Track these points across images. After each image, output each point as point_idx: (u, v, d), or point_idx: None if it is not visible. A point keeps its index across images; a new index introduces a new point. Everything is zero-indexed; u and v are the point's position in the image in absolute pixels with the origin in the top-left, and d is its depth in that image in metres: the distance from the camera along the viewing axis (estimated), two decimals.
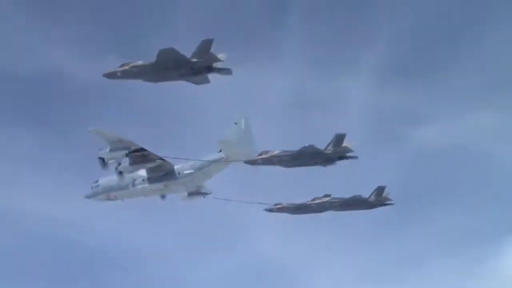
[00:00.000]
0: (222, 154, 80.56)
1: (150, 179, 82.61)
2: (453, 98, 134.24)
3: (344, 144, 68.13)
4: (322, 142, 69.27)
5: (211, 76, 56.13)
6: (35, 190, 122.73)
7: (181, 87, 56.67)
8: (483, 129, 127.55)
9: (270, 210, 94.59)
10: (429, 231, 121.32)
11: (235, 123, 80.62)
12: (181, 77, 55.45)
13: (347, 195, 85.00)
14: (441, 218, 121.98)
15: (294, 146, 74.81)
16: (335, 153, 67.22)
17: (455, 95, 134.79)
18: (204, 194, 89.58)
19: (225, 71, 55.09)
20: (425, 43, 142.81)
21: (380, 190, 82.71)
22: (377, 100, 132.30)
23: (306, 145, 66.75)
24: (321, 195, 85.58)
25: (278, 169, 71.85)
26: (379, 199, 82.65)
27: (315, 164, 68.49)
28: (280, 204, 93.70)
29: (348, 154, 68.03)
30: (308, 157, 67.43)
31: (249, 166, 78.69)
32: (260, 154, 71.64)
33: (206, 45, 53.02)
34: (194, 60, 53.72)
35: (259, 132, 78.35)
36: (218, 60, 54.05)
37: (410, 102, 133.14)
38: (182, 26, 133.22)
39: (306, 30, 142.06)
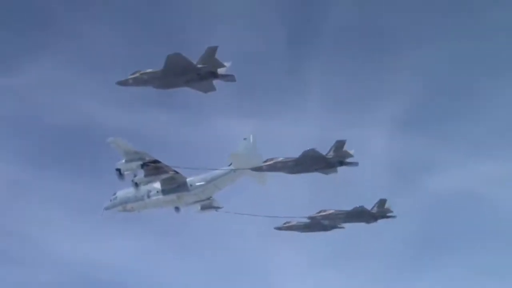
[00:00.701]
0: (232, 167, 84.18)
1: (164, 191, 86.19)
2: (467, 145, 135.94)
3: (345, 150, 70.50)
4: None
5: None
6: (70, 232, 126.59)
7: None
8: (496, 176, 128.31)
9: (279, 229, 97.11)
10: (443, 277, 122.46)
11: (244, 139, 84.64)
12: (188, 83, 58.51)
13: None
14: (456, 263, 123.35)
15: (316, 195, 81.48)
16: (336, 157, 69.59)
17: (469, 143, 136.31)
18: (216, 208, 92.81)
19: (229, 77, 58.12)
20: (440, 93, 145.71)
21: (382, 202, 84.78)
22: (394, 148, 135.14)
23: (308, 149, 69.11)
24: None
25: (283, 177, 74.32)
26: (381, 210, 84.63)
27: (317, 169, 70.83)
28: (289, 222, 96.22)
29: (348, 160, 70.26)
30: (310, 161, 69.79)
31: (257, 177, 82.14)
32: (265, 162, 74.29)
33: (211, 51, 56.14)
34: (200, 66, 56.93)
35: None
36: (222, 66, 57.13)
37: (426, 149, 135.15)
38: None
39: (327, 80, 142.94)
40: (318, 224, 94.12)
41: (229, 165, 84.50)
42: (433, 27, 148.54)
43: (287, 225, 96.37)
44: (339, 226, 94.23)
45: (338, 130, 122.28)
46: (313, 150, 68.93)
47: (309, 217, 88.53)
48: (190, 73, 57.32)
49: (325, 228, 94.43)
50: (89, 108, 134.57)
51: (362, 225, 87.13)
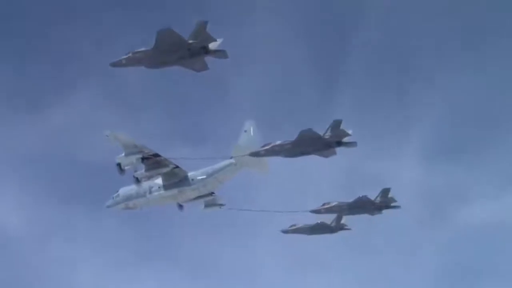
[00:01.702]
0: (232, 160, 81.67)
1: (165, 186, 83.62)
2: (500, 176, 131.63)
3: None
4: None
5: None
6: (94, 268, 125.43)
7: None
8: None
9: (286, 232, 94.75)
10: None
11: (245, 131, 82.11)
12: (180, 61, 56.49)
13: None
14: None
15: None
16: (333, 137, 66.87)
17: (502, 174, 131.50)
18: (220, 205, 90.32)
19: (221, 53, 55.99)
20: (472, 123, 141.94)
21: (385, 191, 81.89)
22: (425, 179, 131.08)
23: (305, 128, 66.59)
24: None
25: (282, 161, 71.79)
26: (385, 200, 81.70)
27: (316, 150, 68.11)
28: (295, 225, 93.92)
29: (346, 140, 67.49)
30: (307, 142, 67.15)
31: (257, 167, 79.68)
32: (263, 146, 71.86)
33: (202, 26, 54.24)
34: (191, 41, 54.93)
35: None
36: (213, 40, 55.03)
37: (458, 180, 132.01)
38: (232, 108, 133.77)
39: (356, 110, 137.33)
40: (325, 226, 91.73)
41: (230, 158, 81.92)
42: (466, 54, 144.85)
43: (293, 228, 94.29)
44: (345, 227, 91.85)
45: (368, 160, 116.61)
46: (309, 130, 66.41)
47: (313, 211, 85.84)
48: (181, 49, 55.37)
49: (332, 230, 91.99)
50: None
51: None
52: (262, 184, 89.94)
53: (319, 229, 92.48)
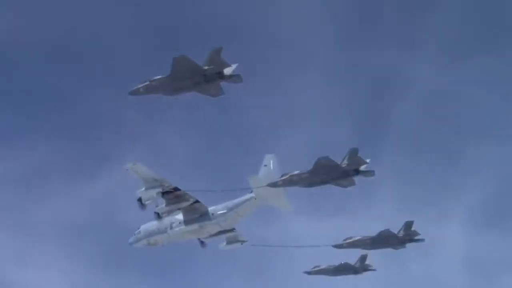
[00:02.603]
0: (253, 194, 79.82)
1: (186, 221, 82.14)
2: None
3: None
4: None
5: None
6: None
7: None
8: None
9: (309, 273, 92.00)
10: None
11: (265, 165, 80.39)
12: (195, 87, 55.63)
13: None
14: None
15: None
16: (350, 165, 64.63)
17: None
18: (242, 241, 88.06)
19: (235, 78, 55.00)
20: None
21: (408, 224, 78.91)
22: (471, 247, 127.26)
23: (321, 156, 64.52)
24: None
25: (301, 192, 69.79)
26: (408, 233, 78.65)
27: (334, 179, 65.82)
28: (318, 266, 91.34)
29: (363, 168, 65.14)
30: (324, 171, 64.93)
31: (279, 203, 77.94)
32: (281, 177, 69.86)
33: (216, 52, 53.53)
34: (206, 67, 54.12)
35: None
36: (228, 66, 54.17)
37: (504, 247, 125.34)
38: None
39: (399, 175, 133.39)
40: (349, 267, 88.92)
41: (251, 192, 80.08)
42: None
43: (316, 269, 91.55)
44: (370, 268, 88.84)
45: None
46: (326, 157, 64.33)
47: (335, 245, 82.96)
48: (196, 75, 54.55)
49: (356, 271, 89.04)
50: None
51: None
52: None
53: (343, 270, 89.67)
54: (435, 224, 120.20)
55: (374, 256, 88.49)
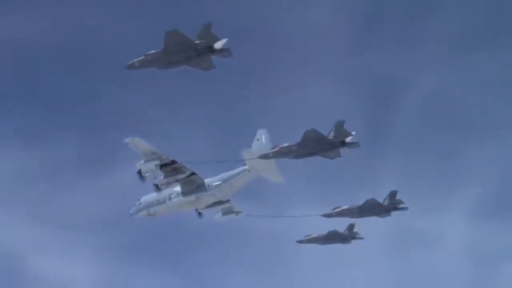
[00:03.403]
0: (246, 167, 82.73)
1: (184, 193, 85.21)
2: None
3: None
4: None
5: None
6: None
7: None
8: None
9: (301, 242, 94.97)
10: None
11: (257, 139, 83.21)
12: (187, 60, 57.97)
13: None
14: None
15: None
16: (337, 138, 67.38)
17: None
18: (237, 212, 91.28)
19: (225, 52, 57.26)
20: None
21: (393, 194, 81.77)
22: (472, 236, 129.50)
23: (309, 129, 67.23)
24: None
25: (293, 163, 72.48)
26: (392, 202, 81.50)
27: (321, 151, 68.56)
28: (309, 235, 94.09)
29: (348, 140, 67.80)
30: (312, 143, 67.66)
31: (270, 174, 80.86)
32: (271, 149, 72.73)
33: (207, 27, 55.90)
34: (197, 41, 56.56)
35: None
36: (218, 40, 56.44)
37: (506, 238, 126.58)
38: None
39: (401, 166, 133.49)
40: (337, 235, 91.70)
41: (244, 165, 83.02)
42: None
43: (308, 238, 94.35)
44: (357, 236, 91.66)
45: (414, 217, 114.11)
46: (313, 130, 67.01)
47: (324, 215, 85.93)
48: (188, 49, 56.92)
49: (345, 239, 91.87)
50: None
51: None
52: None
53: (333, 237, 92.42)
54: (437, 215, 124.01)
55: None
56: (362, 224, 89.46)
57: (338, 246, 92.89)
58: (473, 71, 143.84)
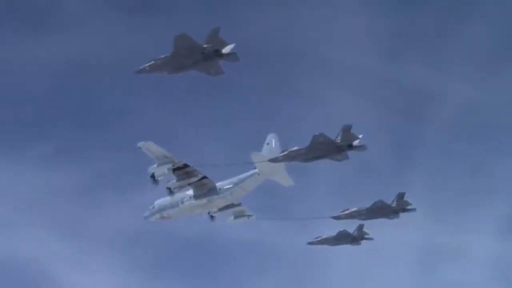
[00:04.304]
0: (256, 170, 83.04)
1: (196, 196, 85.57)
2: None
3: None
4: None
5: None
6: None
7: None
8: None
9: (311, 243, 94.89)
10: None
11: (267, 144, 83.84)
12: (195, 65, 58.41)
13: None
14: None
15: None
16: (344, 141, 67.53)
17: None
18: (248, 216, 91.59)
19: (232, 56, 57.68)
20: None
21: (401, 195, 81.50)
22: (501, 253, 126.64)
23: (317, 133, 67.46)
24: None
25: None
26: (400, 203, 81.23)
27: (329, 154, 68.66)
28: (320, 237, 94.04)
29: (355, 143, 67.88)
30: (320, 147, 67.84)
31: (280, 178, 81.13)
32: (281, 153, 73.04)
33: (215, 31, 56.33)
34: (205, 46, 56.99)
35: None
36: (226, 44, 56.79)
37: None
38: None
39: (430, 185, 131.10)
40: (347, 235, 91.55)
41: (254, 168, 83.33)
42: None
43: (318, 239, 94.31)
44: (367, 236, 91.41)
45: (442, 235, 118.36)
46: (321, 134, 67.32)
47: (334, 217, 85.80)
48: (195, 53, 57.33)
49: (354, 239, 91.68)
50: None
51: None
52: None
53: (343, 238, 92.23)
54: (465, 231, 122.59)
55: None
56: (390, 239, 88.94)
57: (363, 258, 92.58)
58: (504, 84, 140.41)
